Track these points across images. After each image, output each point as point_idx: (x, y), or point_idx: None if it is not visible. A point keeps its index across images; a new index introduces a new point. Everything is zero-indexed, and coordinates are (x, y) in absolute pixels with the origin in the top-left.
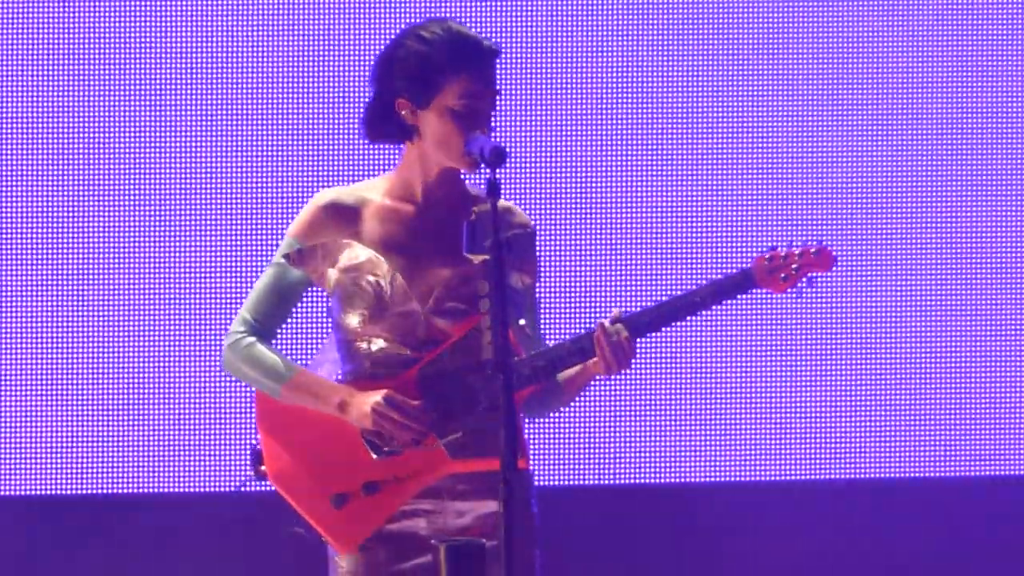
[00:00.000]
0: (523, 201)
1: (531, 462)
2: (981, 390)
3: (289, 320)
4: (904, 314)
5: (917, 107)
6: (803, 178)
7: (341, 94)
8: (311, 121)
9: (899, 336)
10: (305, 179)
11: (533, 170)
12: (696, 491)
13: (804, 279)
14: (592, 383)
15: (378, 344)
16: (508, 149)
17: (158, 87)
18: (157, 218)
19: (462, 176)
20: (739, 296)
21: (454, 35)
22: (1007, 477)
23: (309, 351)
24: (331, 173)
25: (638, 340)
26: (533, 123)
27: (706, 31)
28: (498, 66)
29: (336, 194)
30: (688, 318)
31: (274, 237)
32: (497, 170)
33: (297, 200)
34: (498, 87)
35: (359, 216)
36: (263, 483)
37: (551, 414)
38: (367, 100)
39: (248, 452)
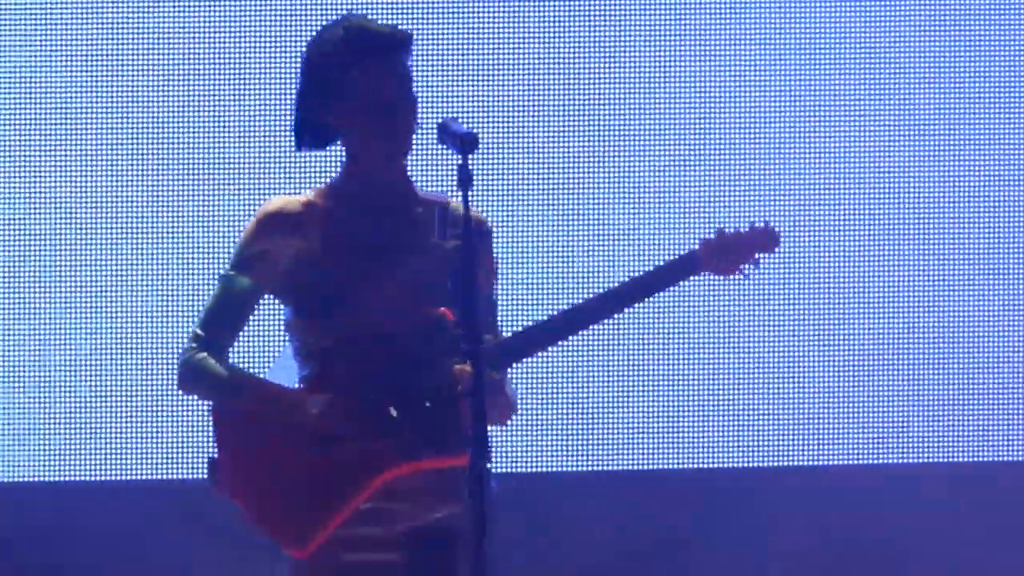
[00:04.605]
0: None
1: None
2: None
3: (242, 333)
4: (878, 303)
5: (898, 100)
6: (785, 169)
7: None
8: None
9: (877, 327)
10: (270, 182)
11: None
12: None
13: (751, 262)
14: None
15: (328, 345)
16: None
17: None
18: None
19: (409, 178)
20: (683, 281)
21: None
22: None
23: (265, 363)
24: (287, 180)
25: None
26: (496, 119)
27: (666, 30)
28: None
29: (282, 202)
30: (627, 309)
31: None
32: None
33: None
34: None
35: (306, 222)
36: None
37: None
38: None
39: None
